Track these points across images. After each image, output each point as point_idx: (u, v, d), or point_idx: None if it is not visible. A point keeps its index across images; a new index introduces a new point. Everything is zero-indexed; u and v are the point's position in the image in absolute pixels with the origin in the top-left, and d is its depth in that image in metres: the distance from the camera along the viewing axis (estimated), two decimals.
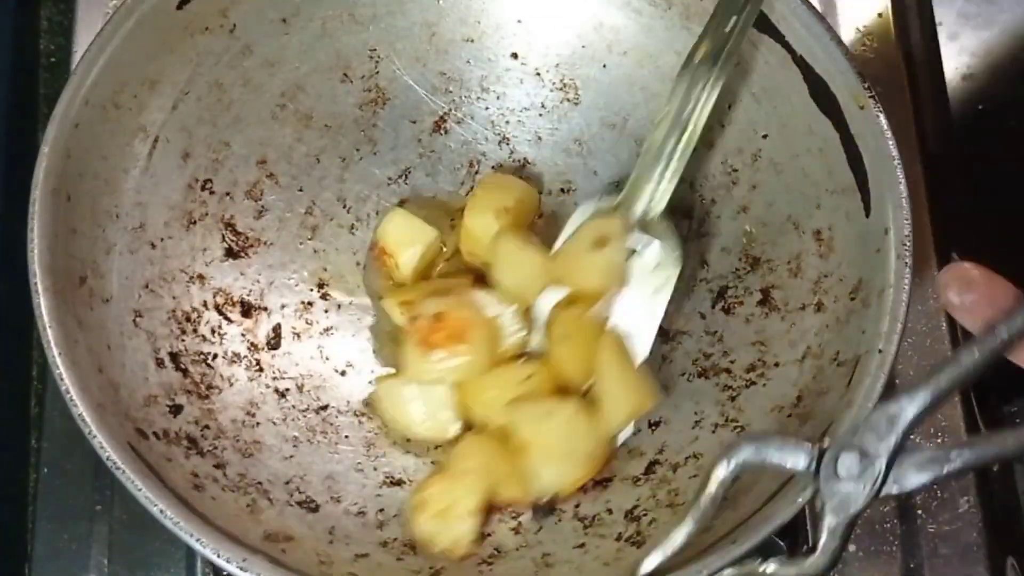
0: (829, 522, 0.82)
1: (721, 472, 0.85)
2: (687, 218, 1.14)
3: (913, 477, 0.82)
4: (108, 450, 0.90)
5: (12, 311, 1.20)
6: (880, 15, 1.31)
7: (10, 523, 1.15)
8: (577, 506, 1.03)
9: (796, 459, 0.84)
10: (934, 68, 1.24)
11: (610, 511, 1.02)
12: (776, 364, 1.04)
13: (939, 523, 1.12)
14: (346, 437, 1.09)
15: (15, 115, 1.28)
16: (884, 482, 0.82)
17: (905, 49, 1.29)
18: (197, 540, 0.89)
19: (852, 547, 1.11)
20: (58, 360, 0.93)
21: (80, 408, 0.92)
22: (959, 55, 1.24)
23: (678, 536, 0.86)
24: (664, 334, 1.11)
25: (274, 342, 1.11)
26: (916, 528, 1.12)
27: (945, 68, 1.24)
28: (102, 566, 1.13)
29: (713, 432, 1.04)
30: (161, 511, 0.89)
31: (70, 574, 1.13)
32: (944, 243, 1.20)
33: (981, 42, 1.24)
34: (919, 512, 1.13)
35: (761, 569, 0.86)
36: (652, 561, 0.87)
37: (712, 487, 0.85)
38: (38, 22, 1.35)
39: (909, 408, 0.82)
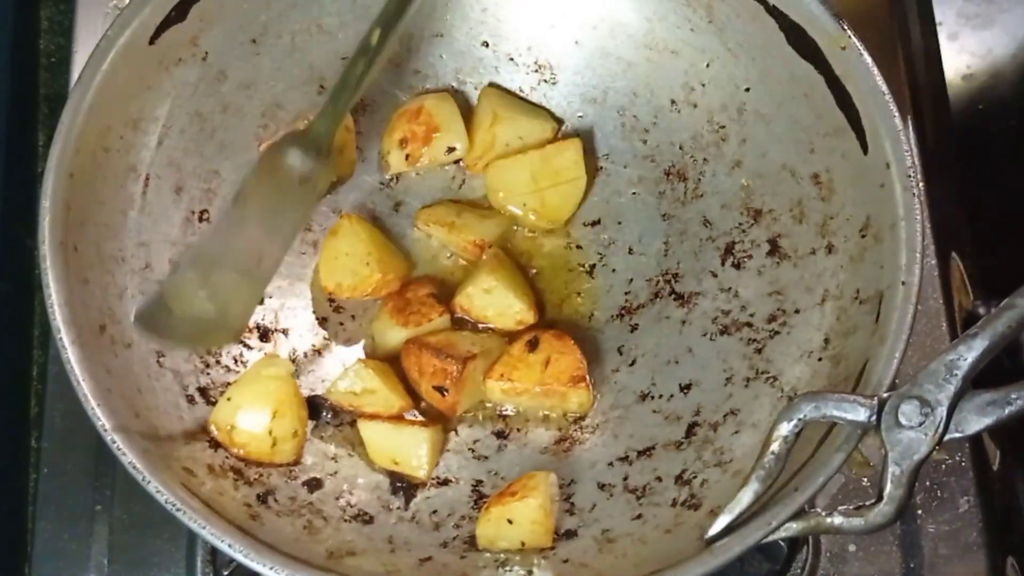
0: (893, 471, 0.84)
1: (783, 430, 0.86)
2: (682, 180, 1.15)
3: (974, 421, 0.84)
4: (166, 493, 0.90)
5: (12, 311, 1.21)
6: (880, 15, 1.31)
7: (10, 523, 1.15)
8: (625, 479, 1.04)
9: (856, 412, 0.86)
10: (934, 68, 1.25)
11: (659, 479, 1.03)
12: (796, 311, 1.06)
13: (939, 523, 1.13)
14: None
15: (15, 115, 1.27)
16: (946, 428, 0.83)
17: (905, 49, 1.30)
18: (271, 569, 0.89)
19: (852, 547, 1.12)
20: (98, 411, 0.93)
21: (129, 456, 0.91)
22: (959, 55, 1.25)
23: (745, 497, 0.88)
24: (679, 297, 1.12)
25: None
26: (916, 528, 1.13)
27: (945, 68, 1.25)
28: (102, 566, 1.12)
29: (746, 387, 1.05)
30: (229, 545, 0.89)
31: (70, 574, 1.12)
32: (944, 243, 1.21)
33: (981, 42, 1.25)
34: (919, 512, 1.14)
35: (828, 521, 0.87)
36: (721, 523, 0.89)
37: (775, 446, 0.86)
38: (38, 22, 1.34)
39: (967, 355, 0.84)
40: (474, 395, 1.09)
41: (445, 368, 1.06)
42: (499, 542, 1.00)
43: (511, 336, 1.12)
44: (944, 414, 0.83)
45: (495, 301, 1.11)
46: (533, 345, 1.10)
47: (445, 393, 1.06)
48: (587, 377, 1.09)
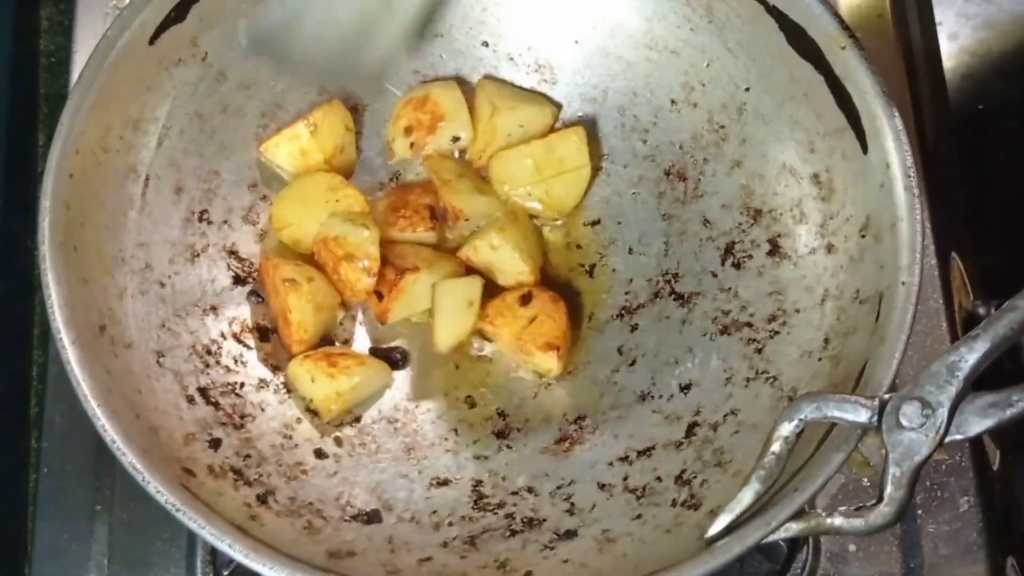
0: (893, 472, 0.84)
1: (784, 431, 0.86)
2: (682, 180, 1.15)
3: (975, 423, 0.84)
4: (165, 493, 0.90)
5: (12, 311, 1.21)
6: (880, 15, 1.32)
7: (10, 523, 1.15)
8: (625, 479, 1.04)
9: (857, 413, 0.86)
10: (934, 68, 1.25)
11: (659, 479, 1.03)
12: (796, 311, 1.06)
13: (939, 523, 1.13)
14: (384, 445, 1.09)
15: (15, 115, 1.27)
16: (947, 430, 0.83)
17: (905, 49, 1.30)
18: (271, 569, 0.89)
19: (851, 547, 1.12)
20: (98, 411, 0.93)
21: (129, 456, 0.91)
22: (959, 55, 1.25)
23: (745, 497, 0.88)
24: (679, 297, 1.12)
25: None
26: (916, 528, 1.13)
27: (945, 68, 1.25)
28: (102, 566, 1.12)
29: (746, 387, 1.05)
30: (229, 545, 0.89)
31: (70, 574, 1.12)
32: (944, 243, 1.21)
33: (981, 42, 1.25)
34: (919, 512, 1.13)
35: (828, 522, 0.87)
36: (721, 522, 0.89)
37: (776, 446, 0.86)
38: (38, 22, 1.34)
39: (969, 356, 0.84)
40: (412, 307, 1.11)
41: (386, 274, 1.10)
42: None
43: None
44: (945, 416, 0.83)
45: (499, 258, 1.12)
46: (526, 299, 1.11)
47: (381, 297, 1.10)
48: (560, 348, 1.10)
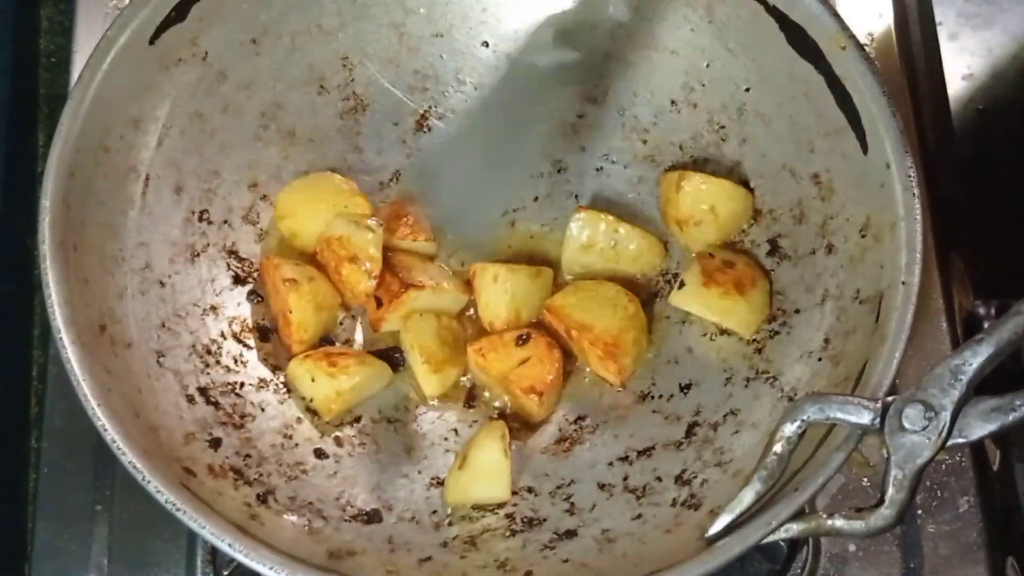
0: (895, 475, 0.84)
1: (787, 431, 0.86)
2: None
3: (978, 427, 0.84)
4: (165, 493, 0.90)
5: (12, 311, 1.21)
6: (880, 16, 1.32)
7: (10, 523, 1.15)
8: (625, 479, 1.04)
9: (860, 415, 0.86)
10: (934, 68, 1.25)
11: (659, 479, 1.03)
12: (796, 311, 1.06)
13: (939, 523, 1.13)
14: (384, 445, 1.09)
15: (15, 115, 1.27)
16: (949, 433, 0.83)
17: (905, 49, 1.30)
18: (271, 569, 0.89)
19: (851, 547, 1.12)
20: (98, 411, 0.93)
21: (129, 456, 0.91)
22: (959, 55, 1.24)
23: (746, 497, 0.88)
24: None
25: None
26: (916, 528, 1.13)
27: (945, 68, 1.24)
28: (102, 566, 1.12)
29: (746, 387, 1.05)
30: (229, 544, 0.89)
31: (70, 574, 1.12)
32: (944, 243, 1.20)
33: (981, 42, 1.24)
34: (919, 512, 1.13)
35: (829, 523, 0.87)
36: (721, 522, 0.89)
37: (778, 447, 0.86)
38: (38, 22, 1.34)
39: (973, 360, 0.84)
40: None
41: (390, 284, 1.10)
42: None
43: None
44: (948, 419, 0.83)
45: (493, 291, 1.12)
46: (523, 340, 1.10)
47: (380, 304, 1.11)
48: (544, 393, 1.09)
